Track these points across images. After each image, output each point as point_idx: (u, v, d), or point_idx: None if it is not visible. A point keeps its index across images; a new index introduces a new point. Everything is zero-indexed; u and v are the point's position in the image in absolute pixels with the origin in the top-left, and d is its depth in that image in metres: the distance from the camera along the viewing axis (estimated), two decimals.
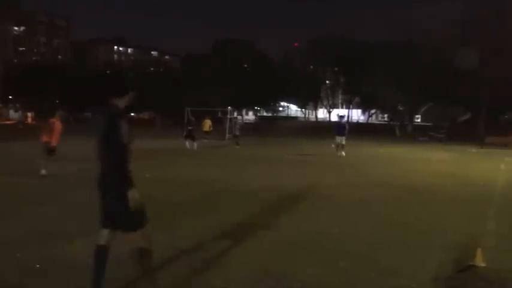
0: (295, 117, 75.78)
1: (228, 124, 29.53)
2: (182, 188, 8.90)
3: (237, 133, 23.18)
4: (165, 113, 56.82)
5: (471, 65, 31.65)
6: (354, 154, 17.54)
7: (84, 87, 58.19)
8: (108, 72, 65.91)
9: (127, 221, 3.46)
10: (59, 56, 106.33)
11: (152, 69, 76.98)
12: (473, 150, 23.52)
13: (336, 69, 61.03)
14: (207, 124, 25.58)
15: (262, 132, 38.68)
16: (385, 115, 66.83)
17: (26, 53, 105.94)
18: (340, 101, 70.45)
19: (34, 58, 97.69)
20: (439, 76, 37.71)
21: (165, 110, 56.03)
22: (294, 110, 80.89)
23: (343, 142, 17.61)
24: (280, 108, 77.91)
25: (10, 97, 68.77)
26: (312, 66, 65.31)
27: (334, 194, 8.75)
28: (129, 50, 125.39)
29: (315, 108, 71.27)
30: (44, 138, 10.53)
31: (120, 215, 3.46)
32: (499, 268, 4.50)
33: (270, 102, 69.51)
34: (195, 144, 19.05)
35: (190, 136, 19.48)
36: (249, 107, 71.00)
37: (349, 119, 53.62)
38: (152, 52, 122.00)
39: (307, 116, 76.84)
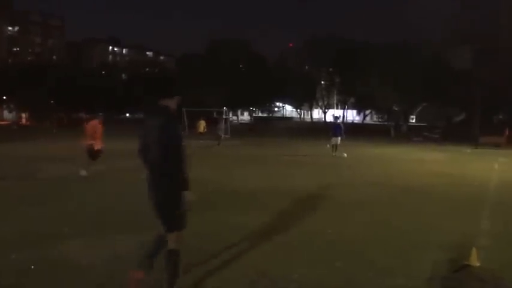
0: (291, 118, 75.92)
1: (223, 124, 29.54)
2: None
3: (220, 133, 23.32)
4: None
5: (466, 66, 31.83)
6: (349, 154, 17.56)
7: (79, 87, 58.00)
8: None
9: (171, 221, 3.49)
10: (54, 57, 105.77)
11: (147, 69, 76.85)
12: (468, 150, 23.63)
13: (331, 69, 61.10)
14: (202, 125, 25.55)
15: (258, 133, 38.68)
16: (379, 116, 67.14)
17: (21, 54, 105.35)
18: (335, 101, 70.60)
19: (29, 58, 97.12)
20: (433, 76, 37.91)
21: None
22: (289, 110, 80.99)
23: (339, 143, 17.65)
24: (276, 109, 77.96)
25: (4, 97, 68.35)
26: (307, 67, 65.36)
27: (330, 195, 8.77)
28: (124, 51, 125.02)
29: (310, 109, 71.37)
30: (88, 140, 10.64)
31: (166, 215, 3.48)
32: (494, 267, 4.52)
33: (266, 103, 69.54)
34: None
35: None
36: (245, 107, 70.98)
37: (344, 120, 53.75)
38: (147, 52, 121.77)
39: (302, 116, 76.96)
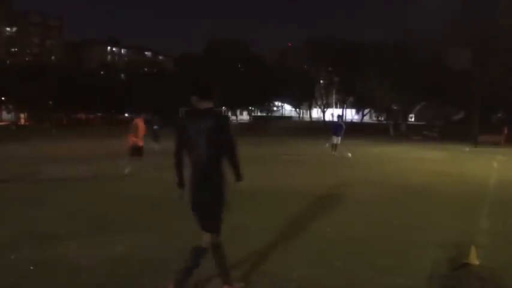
0: (290, 117, 75.90)
1: None
2: (175, 188, 8.81)
3: None
4: (159, 113, 56.61)
5: (464, 65, 31.82)
6: (344, 153, 17.55)
7: (78, 88, 57.91)
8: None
9: (218, 221, 3.57)
10: (52, 57, 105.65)
11: (146, 69, 76.80)
12: (467, 149, 23.64)
13: (330, 68, 61.12)
14: None
15: (257, 132, 38.67)
16: (377, 115, 67.20)
17: (19, 54, 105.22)
18: (334, 100, 70.64)
19: (27, 59, 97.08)
20: (432, 76, 37.90)
21: (159, 110, 55.84)
22: (288, 109, 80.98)
23: (339, 142, 17.61)
24: (275, 108, 77.95)
25: (3, 98, 68.28)
26: (306, 66, 65.37)
27: (329, 194, 8.78)
28: (123, 51, 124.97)
29: (309, 108, 71.40)
30: (132, 139, 11.15)
31: (216, 214, 3.55)
32: (493, 266, 4.53)
33: (264, 102, 69.50)
34: (156, 146, 17.78)
35: (155, 136, 18.41)
36: (244, 107, 70.94)
37: (343, 119, 53.71)
38: (146, 52, 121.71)
39: (301, 115, 76.98)
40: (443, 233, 5.86)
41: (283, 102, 75.42)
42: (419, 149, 23.32)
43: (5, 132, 36.62)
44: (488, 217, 6.82)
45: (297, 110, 76.79)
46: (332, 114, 66.87)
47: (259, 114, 73.44)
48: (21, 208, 7.08)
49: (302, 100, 68.24)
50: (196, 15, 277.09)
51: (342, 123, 18.35)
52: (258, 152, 18.68)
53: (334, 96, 68.96)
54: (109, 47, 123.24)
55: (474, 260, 4.54)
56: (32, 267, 4.34)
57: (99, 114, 68.15)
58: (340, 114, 22.63)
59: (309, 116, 72.08)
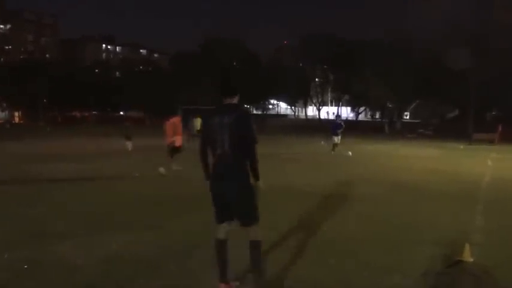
0: (285, 115, 75.96)
1: None
2: (172, 187, 8.83)
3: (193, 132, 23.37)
4: (154, 111, 56.50)
5: (460, 64, 31.95)
6: (343, 152, 17.60)
7: (73, 85, 57.63)
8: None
9: (255, 212, 3.71)
10: (47, 55, 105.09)
11: (141, 67, 76.56)
12: (461, 147, 23.76)
13: (326, 66, 61.16)
14: (198, 122, 25.49)
15: None
16: (372, 113, 67.36)
17: (13, 52, 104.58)
18: (329, 98, 70.73)
19: (21, 57, 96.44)
20: (428, 74, 38.04)
21: (154, 108, 55.73)
22: (283, 107, 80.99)
23: (339, 141, 17.62)
24: (270, 106, 77.94)
25: None
26: (301, 64, 65.39)
27: (325, 192, 8.78)
28: (118, 49, 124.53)
29: (305, 106, 71.45)
30: (169, 138, 10.73)
31: (250, 205, 3.70)
32: (487, 263, 4.56)
33: (260, 100, 69.47)
34: (130, 144, 17.70)
35: (126, 135, 18.11)
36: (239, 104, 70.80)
37: (341, 118, 53.78)
38: (141, 50, 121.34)
39: (297, 113, 77.01)
40: (439, 230, 5.88)
41: (278, 100, 75.42)
42: (414, 146, 23.42)
43: None
44: (483, 215, 6.85)
45: (293, 108, 76.81)
46: (327, 112, 67.13)
47: (254, 112, 73.41)
48: (16, 207, 7.03)
49: (297, 98, 68.30)
50: (196, 15, 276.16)
51: (341, 122, 18.35)
52: None
53: (329, 94, 69.07)
54: (104, 45, 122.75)
55: (468, 257, 4.57)
56: (25, 266, 4.30)
57: (94, 112, 67.91)
58: (339, 113, 22.62)
59: (304, 114, 72.13)
